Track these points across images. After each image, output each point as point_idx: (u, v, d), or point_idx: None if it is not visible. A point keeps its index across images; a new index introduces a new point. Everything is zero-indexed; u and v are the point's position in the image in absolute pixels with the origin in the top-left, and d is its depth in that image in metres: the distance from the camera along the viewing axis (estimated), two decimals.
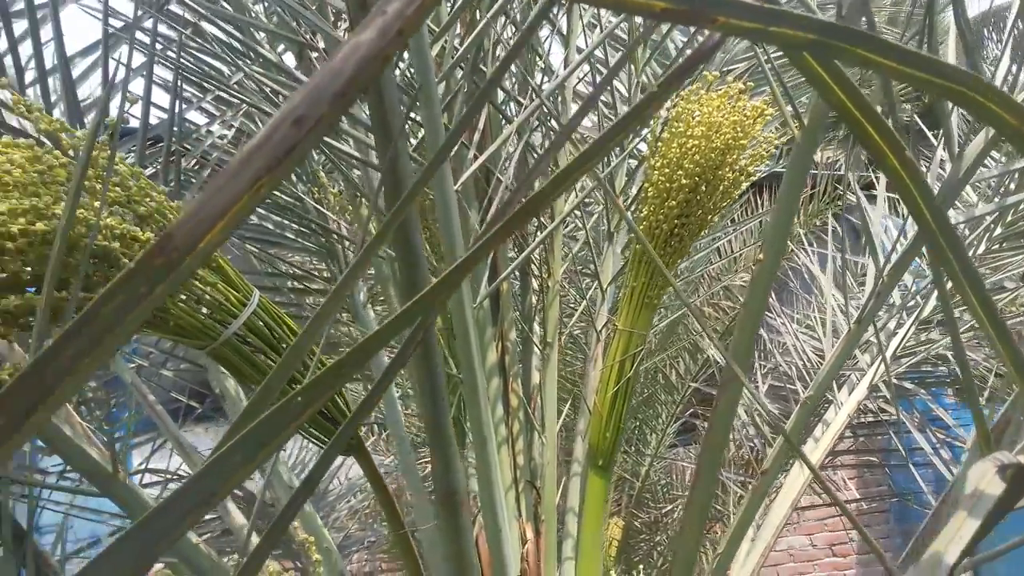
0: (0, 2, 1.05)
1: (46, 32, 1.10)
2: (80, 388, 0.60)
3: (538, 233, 1.09)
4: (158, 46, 1.17)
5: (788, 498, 1.16)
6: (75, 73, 1.13)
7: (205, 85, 1.23)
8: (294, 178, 1.18)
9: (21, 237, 0.60)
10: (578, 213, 1.05)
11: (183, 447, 1.11)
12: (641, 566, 2.50)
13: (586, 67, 1.15)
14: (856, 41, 0.25)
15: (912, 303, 1.33)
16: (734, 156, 0.97)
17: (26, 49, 1.05)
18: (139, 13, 1.21)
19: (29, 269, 0.62)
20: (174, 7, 1.21)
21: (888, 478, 3.62)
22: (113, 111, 1.14)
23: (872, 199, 1.54)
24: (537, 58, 1.05)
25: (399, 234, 0.55)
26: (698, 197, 0.97)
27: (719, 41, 0.25)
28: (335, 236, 1.19)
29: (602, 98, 1.20)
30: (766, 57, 0.81)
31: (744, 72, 1.48)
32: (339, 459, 2.52)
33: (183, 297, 0.69)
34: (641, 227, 0.99)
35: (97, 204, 0.61)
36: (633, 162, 1.16)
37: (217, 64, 1.24)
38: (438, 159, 0.28)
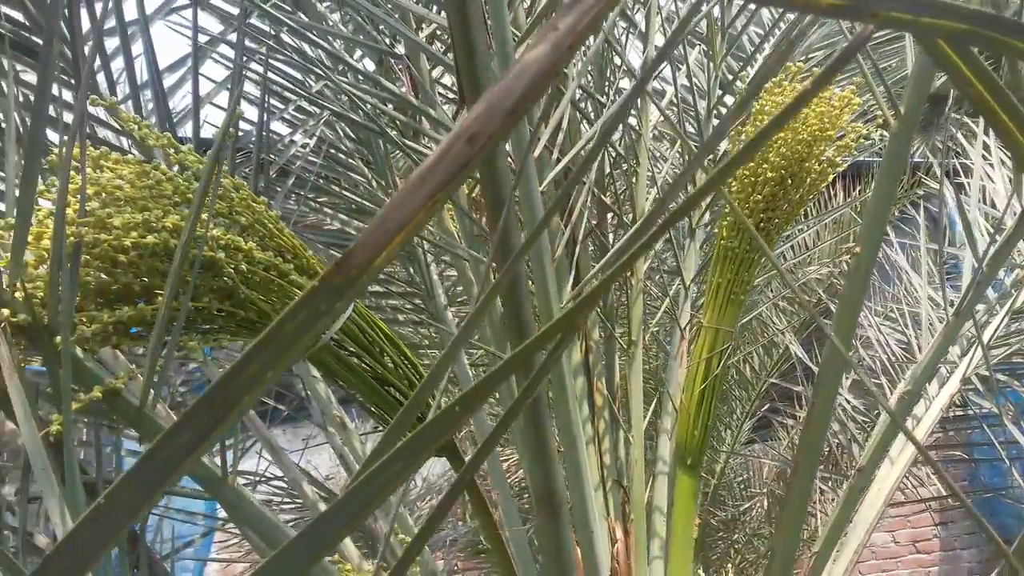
0: (94, 22, 1.09)
1: (135, 47, 1.14)
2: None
3: (620, 232, 1.09)
4: (244, 57, 1.21)
5: (881, 495, 1.13)
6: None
7: (286, 96, 1.26)
8: (375, 183, 1.20)
9: (133, 250, 0.62)
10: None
11: (274, 449, 1.14)
12: (729, 565, 2.46)
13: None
14: (1013, 32, 0.24)
15: (1005, 293, 1.29)
16: (821, 148, 0.95)
17: (116, 64, 1.09)
18: (223, 28, 1.24)
19: (140, 280, 0.64)
20: (255, 20, 1.24)
21: (971, 473, 3.51)
22: (194, 122, 1.17)
23: (958, 188, 1.49)
24: (615, 57, 1.04)
25: (503, 252, 0.55)
26: (784, 190, 0.95)
27: (868, 35, 0.25)
28: (414, 240, 1.20)
29: (670, 92, 1.19)
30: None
31: (821, 61, 1.45)
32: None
33: (286, 303, 0.70)
34: (726, 223, 0.98)
35: (204, 216, 0.63)
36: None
37: (294, 74, 1.27)
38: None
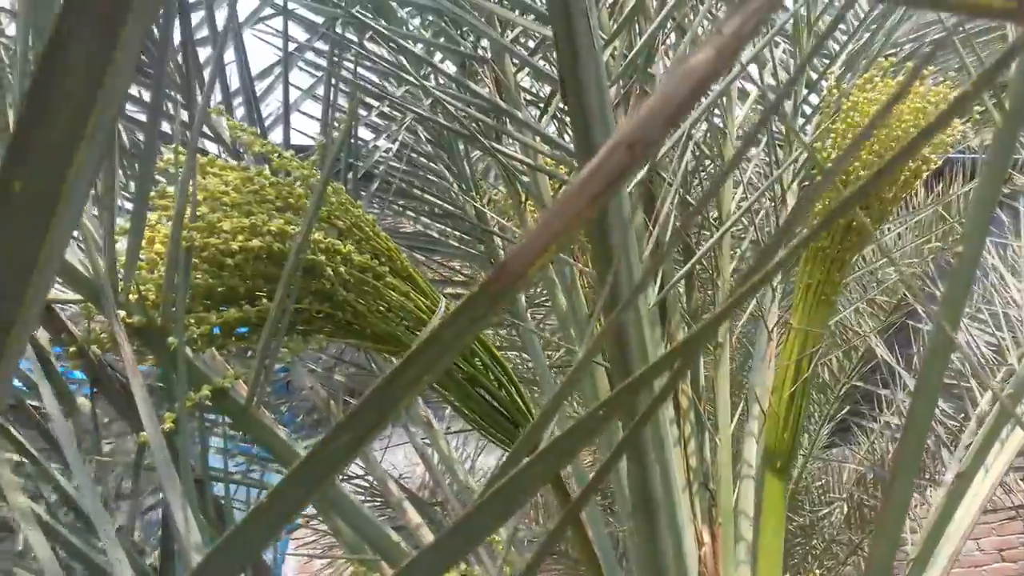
0: (186, 30, 1.13)
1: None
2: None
3: (703, 232, 1.08)
4: (325, 64, 1.23)
5: (976, 502, 1.09)
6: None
7: (368, 102, 1.28)
8: (456, 187, 1.22)
9: (239, 253, 0.64)
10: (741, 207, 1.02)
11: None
12: (817, 571, 2.41)
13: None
14: None
15: None
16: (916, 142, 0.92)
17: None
18: (308, 37, 1.27)
19: (244, 283, 0.66)
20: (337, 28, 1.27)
21: None
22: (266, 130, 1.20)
23: None
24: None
25: (601, 256, 0.55)
26: (877, 189, 0.93)
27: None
28: (495, 242, 1.21)
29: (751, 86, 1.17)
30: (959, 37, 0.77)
31: (907, 56, 1.41)
32: (499, 456, 2.58)
33: (381, 307, 0.72)
34: (814, 223, 0.96)
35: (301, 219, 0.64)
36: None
37: (376, 79, 1.29)
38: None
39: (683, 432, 1.02)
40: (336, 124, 1.00)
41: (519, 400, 0.83)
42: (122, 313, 0.59)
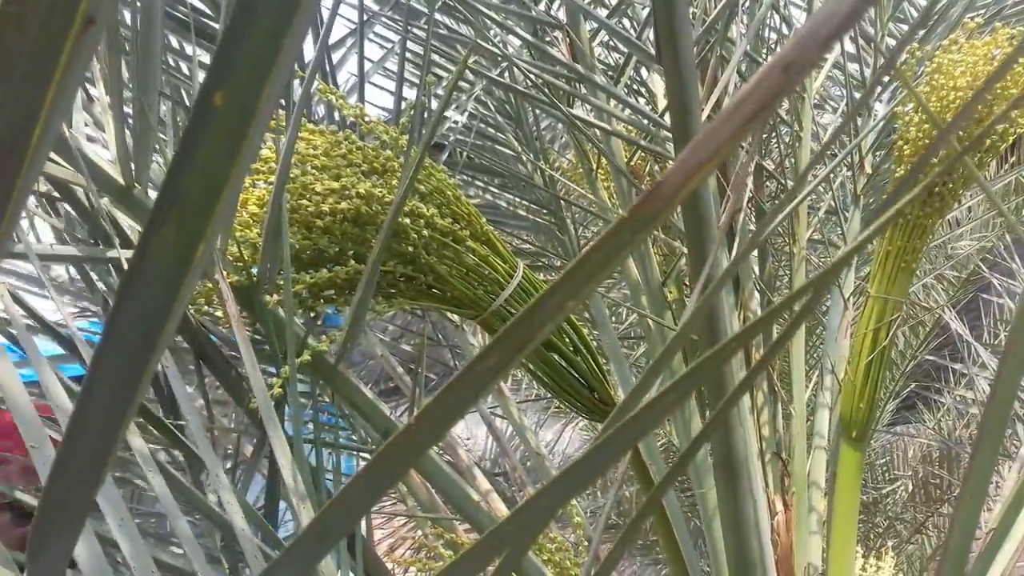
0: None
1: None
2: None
3: (776, 202, 1.06)
4: (395, 37, 1.24)
5: None
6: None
7: (438, 73, 1.29)
8: (525, 155, 1.22)
9: (328, 216, 0.66)
10: (818, 174, 1.01)
11: None
12: (888, 545, 2.38)
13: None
14: None
15: None
16: (1002, 107, 0.89)
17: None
18: (378, 7, 1.28)
19: (332, 246, 0.68)
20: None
21: None
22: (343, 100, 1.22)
23: None
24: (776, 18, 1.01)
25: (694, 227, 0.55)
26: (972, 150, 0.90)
27: None
28: (565, 212, 1.22)
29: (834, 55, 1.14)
30: None
31: (991, 16, 1.36)
32: (557, 431, 2.60)
33: (462, 270, 0.73)
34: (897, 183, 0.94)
35: (395, 182, 0.66)
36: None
37: (446, 49, 1.30)
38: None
39: (755, 402, 1.01)
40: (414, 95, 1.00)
41: (594, 365, 0.84)
42: (225, 273, 0.61)
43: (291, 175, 0.63)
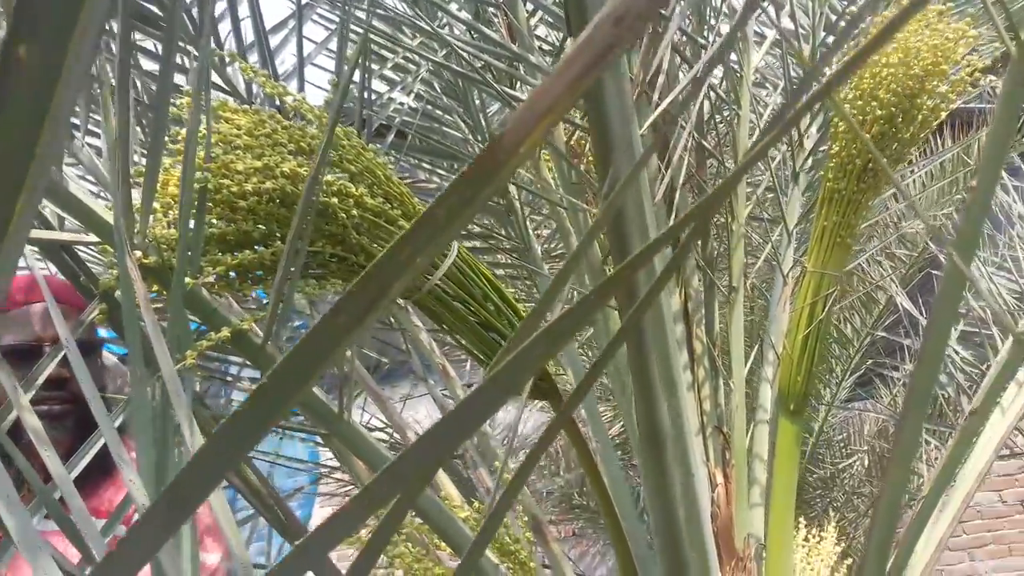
0: None
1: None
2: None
3: (717, 181, 1.07)
4: (338, 17, 1.23)
5: (990, 445, 1.09)
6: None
7: (383, 54, 1.28)
8: (471, 136, 1.22)
9: (252, 196, 0.65)
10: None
11: (379, 397, 1.18)
12: (831, 515, 2.42)
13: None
14: None
15: None
16: (934, 83, 0.91)
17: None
18: None
19: (258, 227, 0.67)
20: None
21: None
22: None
23: None
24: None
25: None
26: (894, 129, 0.92)
27: None
28: (513, 196, 1.22)
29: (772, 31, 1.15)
30: None
31: None
32: (509, 413, 2.61)
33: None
34: (832, 164, 0.95)
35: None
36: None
37: (388, 30, 1.28)
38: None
39: (697, 377, 1.02)
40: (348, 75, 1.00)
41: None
42: (138, 254, 0.60)
43: (212, 154, 0.62)
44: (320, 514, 2.82)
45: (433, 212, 0.22)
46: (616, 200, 0.28)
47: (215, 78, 1.20)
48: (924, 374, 0.74)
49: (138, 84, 0.96)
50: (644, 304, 0.26)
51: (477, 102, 1.24)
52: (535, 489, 2.34)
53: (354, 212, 0.69)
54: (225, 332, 0.64)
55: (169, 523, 0.25)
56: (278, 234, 0.69)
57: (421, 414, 2.42)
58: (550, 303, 0.28)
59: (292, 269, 0.64)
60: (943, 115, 0.95)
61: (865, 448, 2.76)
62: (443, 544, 0.85)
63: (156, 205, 0.64)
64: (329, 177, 0.67)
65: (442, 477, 0.98)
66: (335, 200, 0.67)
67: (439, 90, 1.29)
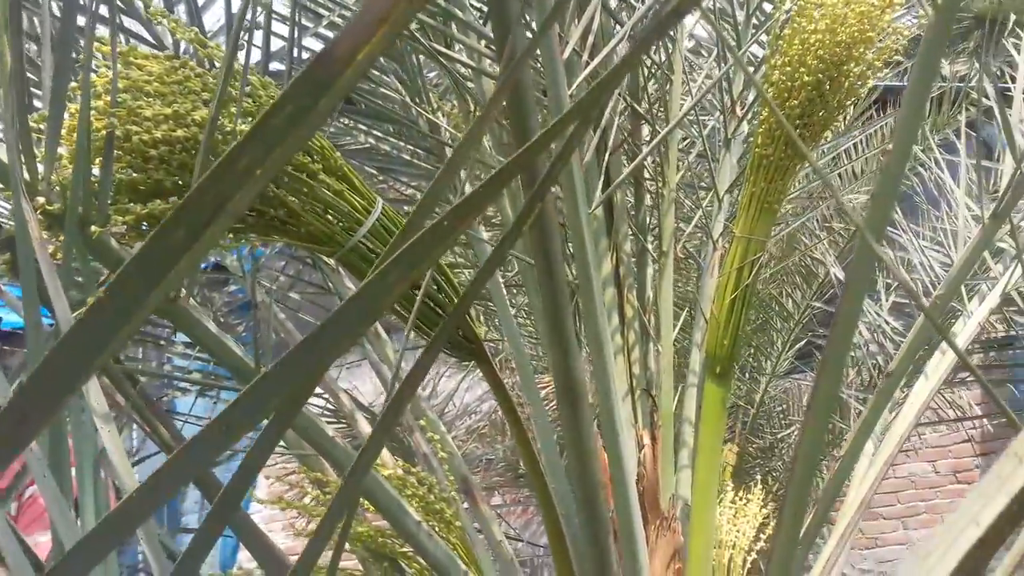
0: None
1: None
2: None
3: (650, 143, 1.08)
4: None
5: (913, 409, 1.12)
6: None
7: (319, 12, 1.25)
8: (408, 99, 1.20)
9: (163, 144, 0.63)
10: (691, 119, 1.02)
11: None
12: (757, 477, 2.48)
13: None
14: None
15: None
16: (860, 50, 0.92)
17: None
18: None
19: (172, 177, 0.66)
20: None
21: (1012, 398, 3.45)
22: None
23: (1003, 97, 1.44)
24: None
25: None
26: (821, 96, 0.93)
27: None
28: (448, 156, 1.21)
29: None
30: None
31: None
32: (456, 380, 2.61)
33: (315, 206, 0.71)
34: (761, 130, 0.96)
35: (233, 111, 0.64)
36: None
37: None
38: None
39: (627, 340, 1.03)
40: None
41: (451, 292, 0.84)
42: (41, 200, 0.58)
43: (119, 99, 0.60)
44: (263, 484, 2.80)
45: (267, 122, 0.21)
46: (515, 71, 0.27)
47: (145, 35, 1.17)
48: (838, 336, 0.76)
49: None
50: (544, 185, 0.26)
51: (415, 63, 1.23)
52: (476, 456, 2.35)
53: None
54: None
55: (16, 440, 0.25)
56: (192, 186, 0.67)
57: (368, 388, 2.41)
58: (439, 193, 0.28)
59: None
60: (870, 82, 0.97)
61: (801, 419, 2.82)
62: (369, 505, 0.85)
63: (63, 152, 0.62)
64: (242, 127, 0.65)
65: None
66: None
67: None
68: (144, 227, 0.66)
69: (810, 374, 2.89)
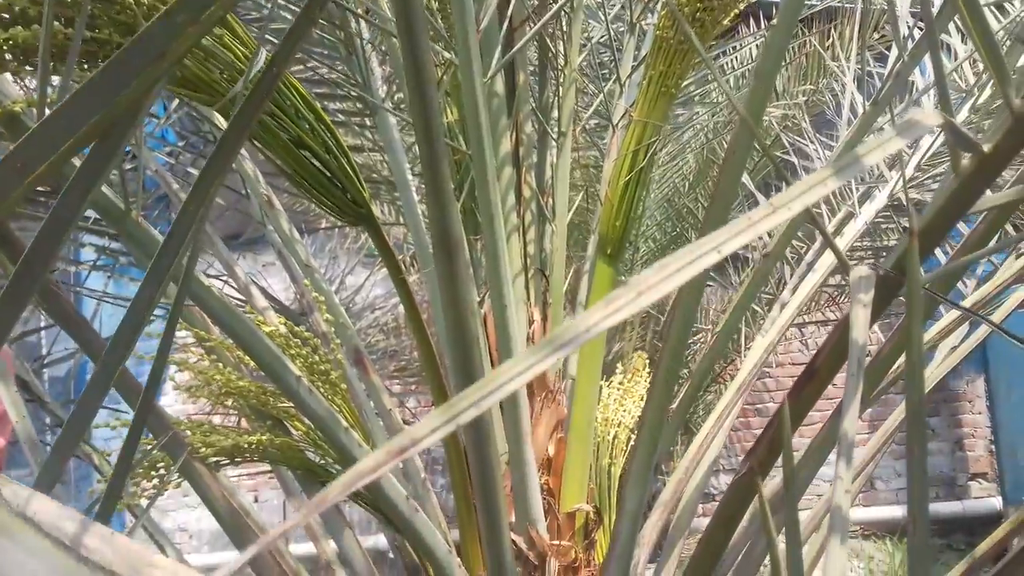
0: None
1: None
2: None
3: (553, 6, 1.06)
4: None
5: (798, 298, 1.17)
6: None
7: None
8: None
9: None
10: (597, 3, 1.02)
11: (225, 261, 1.16)
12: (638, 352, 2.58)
13: None
14: None
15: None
16: None
17: None
18: None
19: (36, 5, 0.63)
20: None
21: None
22: None
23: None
24: None
25: None
26: None
27: None
28: (353, 29, 1.18)
29: None
30: None
31: None
32: (360, 274, 2.61)
33: (198, 52, 0.69)
34: (662, 12, 0.96)
35: None
36: None
37: None
38: None
39: (524, 220, 1.04)
40: None
41: (347, 165, 0.83)
42: None
43: None
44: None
45: None
46: None
47: None
48: (715, 207, 0.78)
49: None
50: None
51: None
52: (380, 348, 2.37)
53: (144, 0, 0.65)
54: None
55: None
56: (60, 17, 0.64)
57: (278, 285, 2.39)
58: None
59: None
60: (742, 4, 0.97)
61: (708, 326, 2.92)
62: (248, 359, 0.85)
63: None
64: None
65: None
66: None
67: None
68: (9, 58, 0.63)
69: (720, 283, 2.98)
